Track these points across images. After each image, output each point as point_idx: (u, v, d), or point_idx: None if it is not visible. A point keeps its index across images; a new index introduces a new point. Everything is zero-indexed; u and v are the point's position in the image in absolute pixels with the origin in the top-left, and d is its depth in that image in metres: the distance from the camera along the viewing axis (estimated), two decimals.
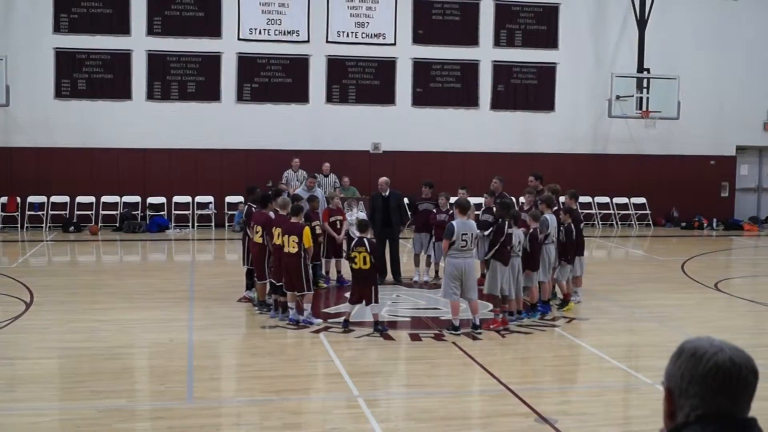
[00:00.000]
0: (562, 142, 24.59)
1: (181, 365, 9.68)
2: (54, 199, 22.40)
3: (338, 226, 14.56)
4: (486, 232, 12.27)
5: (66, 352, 10.40)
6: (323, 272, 14.92)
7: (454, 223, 11.57)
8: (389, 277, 15.11)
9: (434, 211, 15.02)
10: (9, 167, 22.22)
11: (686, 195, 25.26)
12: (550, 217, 12.68)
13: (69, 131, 22.37)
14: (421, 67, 24.00)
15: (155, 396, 8.87)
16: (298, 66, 23.38)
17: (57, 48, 22.33)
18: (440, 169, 22.91)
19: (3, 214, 22.32)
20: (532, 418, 7.96)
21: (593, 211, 24.57)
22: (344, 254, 13.98)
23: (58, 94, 22.43)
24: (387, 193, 15.25)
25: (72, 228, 22.00)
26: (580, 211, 15.11)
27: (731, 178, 26.16)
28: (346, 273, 13.65)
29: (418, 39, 23.96)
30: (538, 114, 24.65)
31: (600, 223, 24.76)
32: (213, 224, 22.92)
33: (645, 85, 23.73)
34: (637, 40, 24.23)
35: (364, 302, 11.40)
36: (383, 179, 15.49)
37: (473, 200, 13.58)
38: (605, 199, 25.01)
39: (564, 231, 12.80)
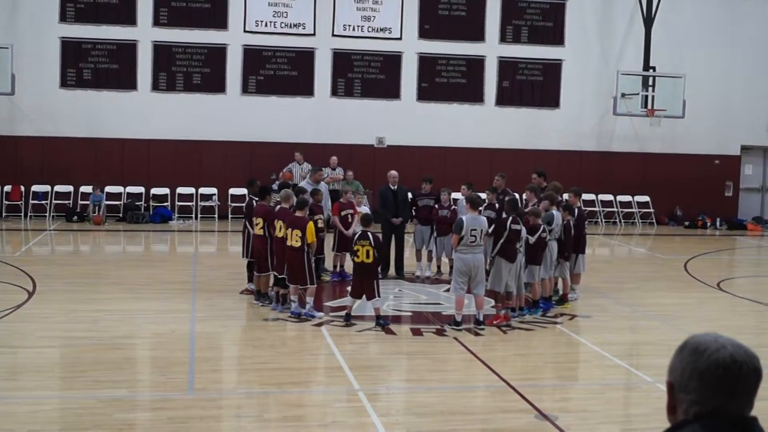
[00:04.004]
0: (566, 139, 24.56)
1: (182, 356, 9.70)
2: (58, 188, 22.43)
3: (349, 220, 14.46)
4: (490, 230, 12.25)
5: (68, 342, 10.41)
6: (331, 266, 14.90)
7: (464, 218, 11.56)
8: (391, 271, 15.12)
9: (435, 206, 15.02)
10: (14, 156, 22.25)
11: (690, 194, 25.23)
12: (556, 213, 12.67)
13: (74, 121, 22.38)
14: (426, 62, 23.98)
15: (156, 386, 8.89)
16: (304, 59, 23.37)
17: (63, 37, 22.33)
18: (444, 164, 22.91)
19: (7, 202, 22.36)
20: (532, 415, 7.96)
21: (597, 209, 24.55)
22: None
23: (64, 83, 22.44)
24: (396, 187, 15.29)
25: (75, 217, 22.03)
26: (584, 208, 15.11)
27: (735, 177, 26.12)
28: (348, 267, 13.64)
29: (424, 34, 23.93)
30: (543, 110, 24.61)
31: (603, 220, 24.74)
32: (216, 216, 22.94)
33: (651, 83, 23.70)
34: (643, 38, 24.19)
35: (364, 297, 11.40)
36: (394, 173, 15.51)
37: None
38: (609, 197, 24.98)
39: (563, 228, 12.79)
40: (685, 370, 2.32)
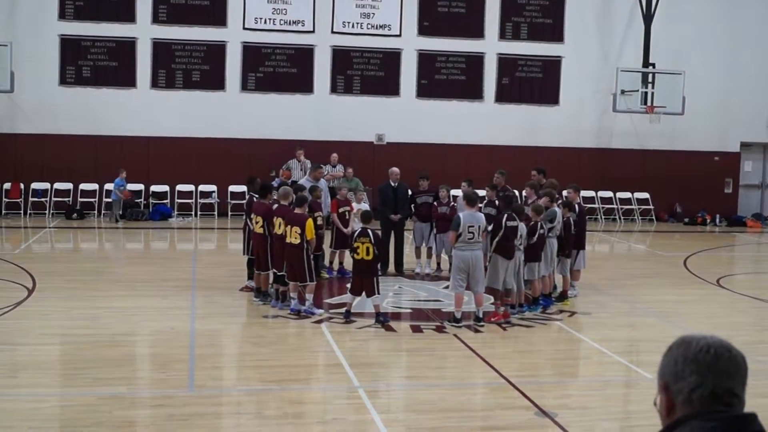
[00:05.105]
0: (566, 136, 24.55)
1: (182, 353, 9.70)
2: (57, 185, 22.43)
3: (347, 217, 14.52)
4: (489, 227, 12.26)
5: (67, 339, 10.42)
6: (326, 264, 14.92)
7: (461, 215, 11.57)
8: (391, 268, 15.12)
9: (435, 203, 15.02)
10: (13, 153, 22.24)
11: (690, 191, 25.23)
12: (558, 210, 12.67)
13: (73, 118, 22.37)
14: (426, 59, 23.97)
15: (156, 384, 8.89)
16: (303, 56, 23.36)
17: (62, 35, 22.32)
18: (443, 161, 22.89)
19: (6, 200, 22.35)
20: (532, 412, 7.96)
21: (596, 206, 24.54)
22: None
23: (63, 81, 22.44)
24: (396, 184, 15.29)
25: (75, 215, 22.02)
26: (583, 205, 15.11)
27: (735, 174, 26.12)
28: (348, 264, 13.63)
29: (423, 30, 23.92)
30: (542, 107, 24.60)
31: (603, 217, 24.74)
32: (216, 213, 22.94)
33: (650, 79, 23.69)
34: (643, 35, 24.18)
35: (364, 294, 11.40)
36: (395, 170, 15.49)
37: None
38: (608, 194, 24.99)
39: (563, 225, 12.78)
40: (678, 361, 2.35)
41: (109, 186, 22.38)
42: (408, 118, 23.67)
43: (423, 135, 23.70)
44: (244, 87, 23.22)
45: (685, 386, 2.32)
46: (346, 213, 14.55)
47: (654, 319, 12.40)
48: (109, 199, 22.20)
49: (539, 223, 12.16)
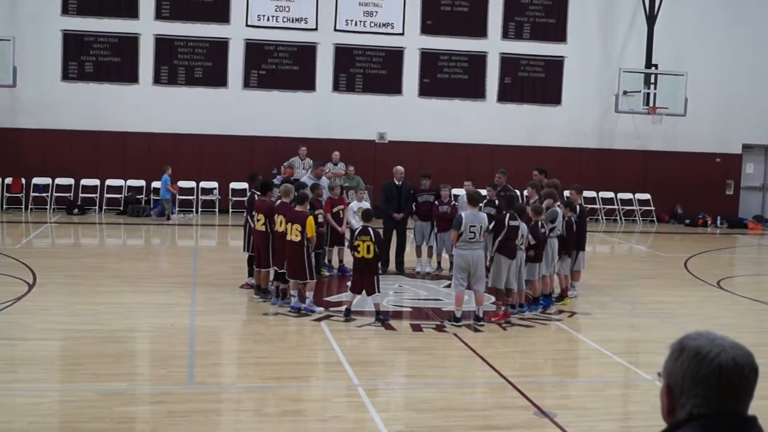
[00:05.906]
0: (568, 136, 24.54)
1: (182, 350, 9.71)
2: (59, 181, 22.43)
3: (341, 216, 14.58)
4: (490, 226, 12.26)
5: (68, 335, 10.43)
6: (326, 261, 14.94)
7: (463, 214, 11.57)
8: (392, 267, 15.12)
9: (435, 202, 15.02)
10: (15, 148, 22.24)
11: (691, 192, 25.22)
12: (559, 210, 12.67)
13: (75, 114, 22.37)
14: (428, 58, 23.96)
15: (156, 380, 8.89)
16: (306, 54, 23.35)
17: (65, 30, 22.32)
18: (445, 160, 22.89)
19: (8, 194, 22.36)
20: (531, 412, 7.97)
21: (597, 207, 24.53)
22: (347, 243, 14.02)
23: (65, 76, 22.44)
24: (400, 183, 15.29)
25: (76, 210, 22.03)
26: (585, 205, 15.11)
27: (736, 176, 26.10)
28: (348, 262, 13.63)
29: (426, 29, 23.91)
30: (544, 107, 24.59)
31: (604, 218, 24.72)
32: (217, 210, 22.94)
33: (652, 80, 23.68)
34: (645, 36, 24.16)
35: (365, 292, 11.40)
36: (400, 168, 15.48)
37: None
38: (610, 195, 24.97)
39: (564, 225, 12.79)
40: (686, 376, 2.30)
41: (110, 181, 22.41)
42: (410, 116, 23.66)
43: (425, 134, 23.69)
44: (247, 84, 23.22)
45: (689, 403, 2.29)
46: (340, 212, 14.60)
47: (654, 320, 12.40)
48: (114, 196, 22.19)
49: (539, 223, 12.16)
